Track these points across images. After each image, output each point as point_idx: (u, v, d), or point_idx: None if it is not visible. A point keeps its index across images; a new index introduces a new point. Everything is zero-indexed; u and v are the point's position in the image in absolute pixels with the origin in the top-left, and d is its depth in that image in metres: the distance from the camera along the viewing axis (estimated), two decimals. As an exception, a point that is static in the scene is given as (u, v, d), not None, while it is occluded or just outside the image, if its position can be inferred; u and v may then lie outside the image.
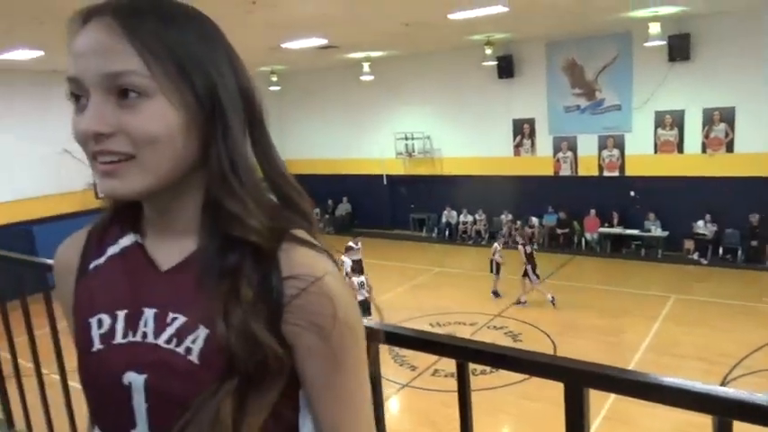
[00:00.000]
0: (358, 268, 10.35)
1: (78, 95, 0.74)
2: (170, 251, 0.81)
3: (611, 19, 11.33)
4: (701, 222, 12.65)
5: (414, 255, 14.81)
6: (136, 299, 0.80)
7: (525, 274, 10.80)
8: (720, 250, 12.52)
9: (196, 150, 0.77)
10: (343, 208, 18.06)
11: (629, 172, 13.63)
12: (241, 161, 0.78)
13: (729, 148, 12.43)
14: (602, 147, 13.90)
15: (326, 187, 17.04)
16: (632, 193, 13.60)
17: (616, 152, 13.77)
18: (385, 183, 17.27)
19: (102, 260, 0.86)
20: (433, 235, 16.33)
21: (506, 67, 14.33)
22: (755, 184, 11.94)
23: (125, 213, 0.87)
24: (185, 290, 0.78)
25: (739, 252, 12.32)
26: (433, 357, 6.52)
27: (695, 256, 12.58)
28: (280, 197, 0.85)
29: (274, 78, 16.02)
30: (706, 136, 12.63)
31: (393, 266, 13.58)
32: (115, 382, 0.77)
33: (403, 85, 16.04)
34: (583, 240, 14.07)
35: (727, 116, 12.32)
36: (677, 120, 12.90)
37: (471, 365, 1.14)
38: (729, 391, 0.85)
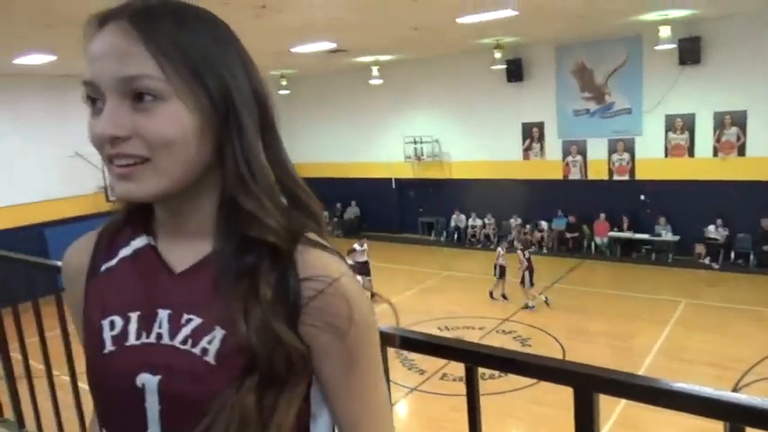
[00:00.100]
0: (363, 270, 10.29)
1: (94, 99, 0.75)
2: (183, 253, 0.82)
3: (621, 23, 11.28)
4: (712, 227, 12.53)
5: (422, 258, 14.79)
6: (149, 300, 0.80)
7: (522, 280, 10.77)
8: (732, 255, 12.39)
9: (210, 153, 0.78)
10: (352, 211, 18.05)
11: (639, 176, 13.53)
12: (256, 162, 0.79)
13: (741, 151, 12.31)
14: (611, 150, 13.81)
15: (335, 191, 17.08)
16: (642, 197, 13.49)
17: (626, 156, 13.67)
18: (393, 186, 17.26)
19: (113, 262, 0.86)
20: (442, 239, 16.29)
21: (515, 71, 14.28)
22: (768, 188, 11.85)
23: (136, 215, 0.88)
24: (200, 291, 0.78)
25: (751, 257, 12.18)
26: (442, 361, 6.46)
27: (706, 261, 12.46)
28: (290, 200, 0.85)
29: (284, 82, 16.09)
30: (717, 140, 12.52)
31: (401, 270, 13.57)
32: (128, 383, 0.77)
33: (412, 88, 16.02)
34: (593, 245, 13.99)
35: (739, 120, 12.21)
36: (688, 123, 12.80)
37: (480, 370, 1.13)
38: (741, 397, 0.84)
